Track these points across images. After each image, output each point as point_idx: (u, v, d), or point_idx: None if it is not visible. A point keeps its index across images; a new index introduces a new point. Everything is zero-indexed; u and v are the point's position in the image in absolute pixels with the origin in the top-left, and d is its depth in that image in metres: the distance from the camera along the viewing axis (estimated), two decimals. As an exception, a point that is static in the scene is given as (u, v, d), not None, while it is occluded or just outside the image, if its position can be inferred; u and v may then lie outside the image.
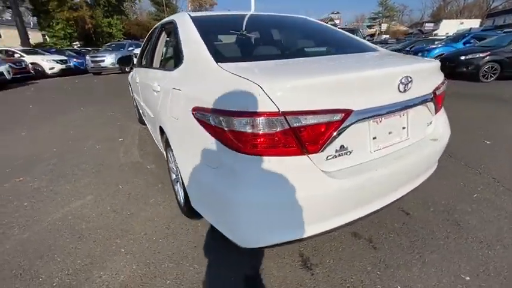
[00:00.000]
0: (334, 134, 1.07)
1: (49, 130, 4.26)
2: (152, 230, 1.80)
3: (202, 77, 1.38)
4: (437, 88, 1.46)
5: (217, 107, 1.09)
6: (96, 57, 13.06)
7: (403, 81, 1.20)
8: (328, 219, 1.20)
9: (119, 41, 21.37)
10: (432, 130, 1.56)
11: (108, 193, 2.29)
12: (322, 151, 1.08)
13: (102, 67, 12.97)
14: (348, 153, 1.17)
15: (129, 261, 1.54)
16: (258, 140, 1.01)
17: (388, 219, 1.80)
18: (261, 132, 1.00)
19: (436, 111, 1.53)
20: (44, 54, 13.67)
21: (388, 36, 42.33)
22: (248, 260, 1.52)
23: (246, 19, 2.20)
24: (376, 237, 1.65)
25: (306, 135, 1.03)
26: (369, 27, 55.44)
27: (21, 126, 4.49)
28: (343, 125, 1.07)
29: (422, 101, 1.38)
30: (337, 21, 40.29)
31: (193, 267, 1.49)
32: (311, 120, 1.02)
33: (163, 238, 1.72)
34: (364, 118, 1.14)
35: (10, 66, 9.94)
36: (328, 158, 1.13)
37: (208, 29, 1.84)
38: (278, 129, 1.00)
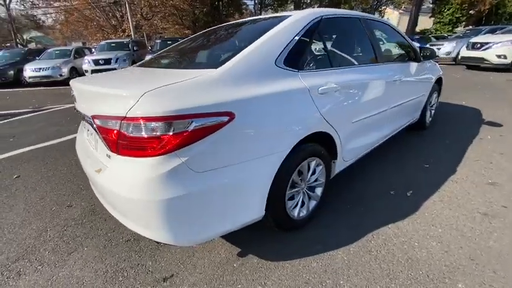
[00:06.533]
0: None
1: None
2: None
3: None
4: (99, 117, 1.17)
5: None
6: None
7: (73, 93, 1.58)
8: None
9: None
10: (108, 165, 1.22)
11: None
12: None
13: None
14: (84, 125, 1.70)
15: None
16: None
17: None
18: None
19: (112, 148, 1.14)
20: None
21: None
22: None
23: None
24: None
25: None
26: None
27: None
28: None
29: (91, 123, 1.28)
30: None
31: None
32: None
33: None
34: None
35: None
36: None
37: None
38: None
